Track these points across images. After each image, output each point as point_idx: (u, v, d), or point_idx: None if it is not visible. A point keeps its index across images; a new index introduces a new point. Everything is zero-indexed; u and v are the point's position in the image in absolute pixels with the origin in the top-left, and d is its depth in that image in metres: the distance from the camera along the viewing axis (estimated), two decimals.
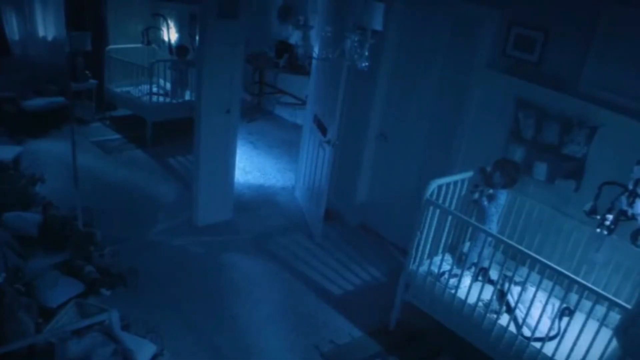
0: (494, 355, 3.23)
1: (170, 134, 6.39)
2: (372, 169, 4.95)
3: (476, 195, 3.54)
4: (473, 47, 3.94)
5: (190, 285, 4.03)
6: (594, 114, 3.31)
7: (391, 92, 4.63)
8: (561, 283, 3.16)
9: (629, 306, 2.61)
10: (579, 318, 2.99)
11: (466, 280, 3.43)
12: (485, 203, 3.49)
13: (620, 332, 2.49)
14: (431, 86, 4.33)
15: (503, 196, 3.53)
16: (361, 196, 5.06)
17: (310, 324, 3.80)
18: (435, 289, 3.50)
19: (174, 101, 6.55)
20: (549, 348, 2.96)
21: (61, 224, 4.12)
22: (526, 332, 3.12)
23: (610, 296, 2.75)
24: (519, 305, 3.25)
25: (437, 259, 3.62)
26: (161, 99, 6.52)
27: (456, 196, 3.73)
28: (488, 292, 3.37)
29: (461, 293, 3.38)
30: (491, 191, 3.50)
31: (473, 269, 3.50)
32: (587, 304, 3.10)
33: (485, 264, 3.55)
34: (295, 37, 7.03)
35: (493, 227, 3.49)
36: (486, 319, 3.23)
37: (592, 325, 2.88)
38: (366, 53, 3.14)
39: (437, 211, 3.47)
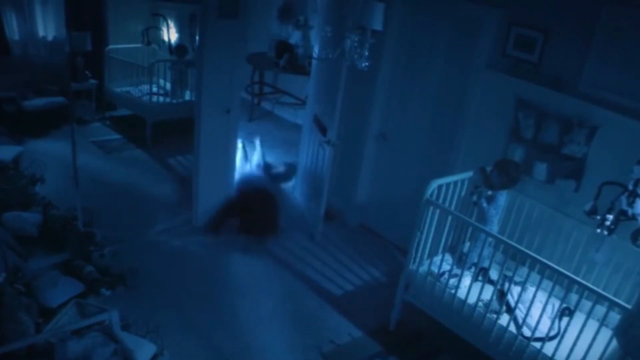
0: (494, 355, 3.23)
1: (170, 134, 6.39)
2: (372, 169, 4.95)
3: (475, 198, 3.54)
4: (473, 47, 3.94)
5: (190, 285, 4.03)
6: (594, 114, 3.31)
7: (391, 92, 4.63)
8: (561, 283, 3.16)
9: (629, 306, 2.61)
10: (579, 318, 2.99)
11: (466, 280, 3.43)
12: (485, 205, 3.49)
13: (620, 332, 2.49)
14: (431, 86, 4.33)
15: (502, 197, 3.52)
16: (361, 196, 5.06)
17: (310, 324, 3.81)
18: (435, 289, 3.50)
19: (174, 101, 6.54)
20: (549, 348, 2.96)
21: (61, 224, 4.13)
22: (526, 332, 3.12)
23: (610, 296, 2.74)
24: (519, 305, 3.25)
25: (437, 259, 3.62)
26: (161, 99, 6.52)
27: (456, 196, 3.73)
28: (488, 292, 3.37)
29: (461, 293, 3.38)
30: (490, 193, 3.50)
31: (473, 269, 3.49)
32: (587, 304, 3.10)
33: (485, 264, 3.54)
34: (295, 37, 7.03)
35: (494, 229, 3.49)
36: (486, 319, 3.23)
37: (592, 325, 2.88)
38: (366, 53, 3.14)
39: (437, 211, 3.47)
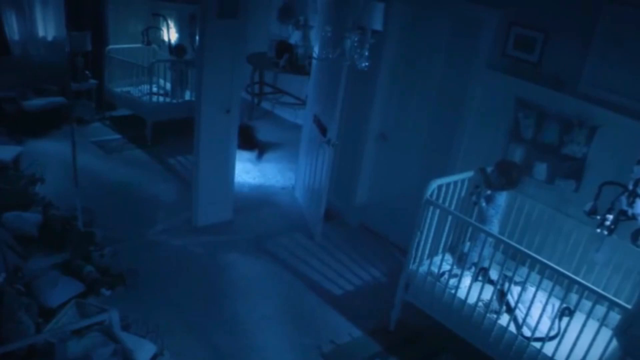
0: (494, 355, 3.23)
1: (170, 134, 6.39)
2: (372, 169, 4.95)
3: (474, 198, 3.54)
4: (473, 47, 3.94)
5: (190, 286, 4.03)
6: (594, 114, 3.31)
7: (391, 92, 4.63)
8: (561, 283, 3.16)
9: (629, 306, 2.61)
10: (579, 318, 2.99)
11: (466, 280, 3.43)
12: (484, 205, 3.49)
13: (620, 332, 2.49)
14: (431, 86, 4.33)
15: (502, 198, 3.52)
16: (361, 196, 5.05)
17: (310, 324, 3.80)
18: (435, 289, 3.50)
19: (174, 101, 6.55)
20: (549, 348, 2.96)
21: (61, 224, 4.13)
22: (526, 332, 3.12)
23: (610, 296, 2.75)
24: (519, 305, 3.25)
25: (437, 259, 3.62)
26: (161, 99, 6.52)
27: (456, 196, 3.73)
28: (488, 292, 3.36)
29: (461, 293, 3.38)
30: (489, 192, 3.50)
31: (473, 269, 3.49)
32: (587, 304, 3.10)
33: (485, 264, 3.54)
34: (295, 37, 7.02)
35: (494, 229, 3.48)
36: (486, 319, 3.23)
37: (592, 325, 2.88)
38: (366, 53, 3.14)
39: (437, 211, 3.47)
